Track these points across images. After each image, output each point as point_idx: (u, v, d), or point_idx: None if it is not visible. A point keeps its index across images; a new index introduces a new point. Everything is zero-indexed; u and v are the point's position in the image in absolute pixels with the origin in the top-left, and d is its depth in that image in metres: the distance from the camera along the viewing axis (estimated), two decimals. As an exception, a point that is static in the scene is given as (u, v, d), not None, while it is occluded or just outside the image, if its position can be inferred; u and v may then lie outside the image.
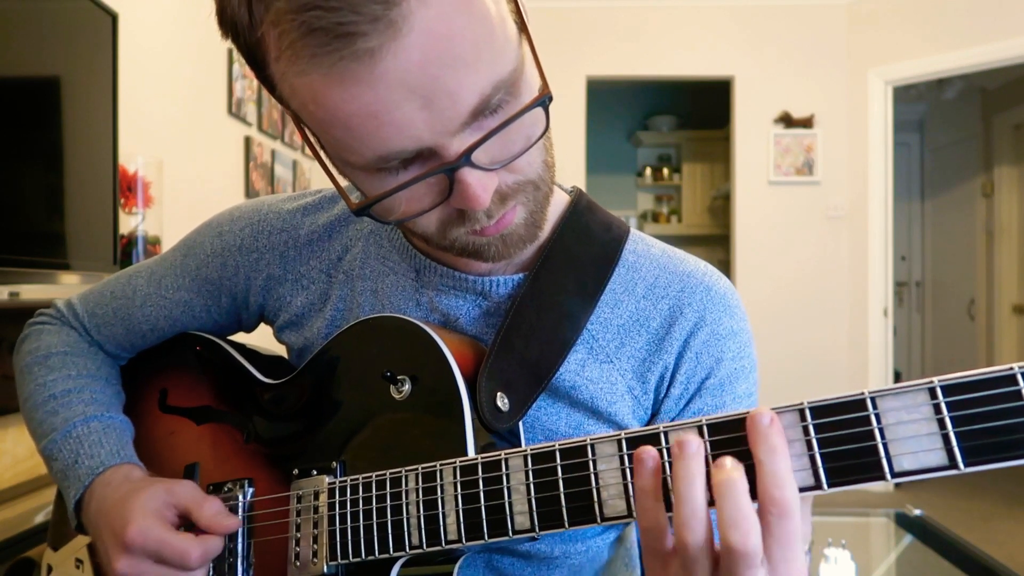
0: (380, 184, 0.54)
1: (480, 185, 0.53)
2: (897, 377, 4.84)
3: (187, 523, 0.69)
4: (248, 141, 2.99)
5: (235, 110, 2.87)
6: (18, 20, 1.40)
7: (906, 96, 5.43)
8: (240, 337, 0.86)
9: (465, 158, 0.51)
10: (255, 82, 3.03)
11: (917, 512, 2.11)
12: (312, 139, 0.57)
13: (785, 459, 0.45)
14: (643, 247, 0.74)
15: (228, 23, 0.51)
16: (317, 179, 3.87)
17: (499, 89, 0.51)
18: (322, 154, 0.58)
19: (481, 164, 0.52)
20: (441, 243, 0.61)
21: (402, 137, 0.50)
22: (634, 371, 0.69)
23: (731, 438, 0.48)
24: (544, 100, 0.53)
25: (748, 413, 0.46)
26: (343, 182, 0.60)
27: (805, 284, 4.47)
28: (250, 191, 3.01)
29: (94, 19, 1.65)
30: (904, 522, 2.15)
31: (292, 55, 0.47)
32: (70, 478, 0.74)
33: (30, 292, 1.54)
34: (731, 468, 0.45)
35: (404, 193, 0.53)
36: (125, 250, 1.87)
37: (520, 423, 0.65)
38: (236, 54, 2.83)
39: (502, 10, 0.52)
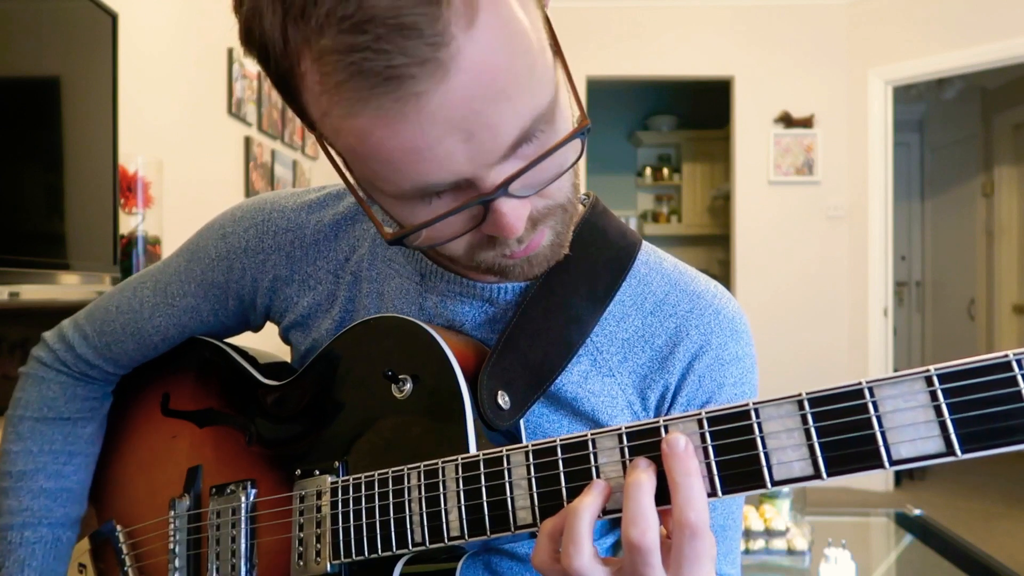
0: (411, 211, 0.54)
1: (515, 214, 0.53)
2: (897, 377, 4.82)
3: None
4: (248, 141, 2.99)
5: (235, 110, 2.87)
6: (18, 20, 1.40)
7: (906, 96, 5.43)
8: (244, 340, 0.86)
9: (503, 189, 0.51)
10: (255, 82, 3.04)
11: (917, 512, 2.11)
12: (340, 163, 0.56)
13: (699, 481, 0.48)
14: (655, 260, 0.73)
15: (256, 44, 0.49)
16: (317, 179, 3.88)
17: (539, 121, 0.51)
18: (350, 178, 0.57)
19: (516, 193, 0.52)
20: (468, 264, 0.60)
21: (442, 170, 0.49)
22: (634, 387, 0.69)
23: (730, 428, 0.48)
24: (584, 131, 0.53)
25: (667, 437, 0.49)
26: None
27: (805, 284, 4.47)
28: (250, 191, 3.02)
29: (94, 19, 1.65)
30: (904, 522, 2.15)
31: (337, 96, 0.46)
32: None
33: (30, 292, 1.54)
34: (641, 470, 0.49)
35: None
36: (125, 250, 1.87)
37: (522, 424, 0.65)
38: (237, 54, 2.84)
39: (542, 40, 0.51)
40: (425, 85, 0.45)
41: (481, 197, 0.51)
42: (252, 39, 0.49)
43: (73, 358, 0.83)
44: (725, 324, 0.70)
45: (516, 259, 0.59)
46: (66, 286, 1.65)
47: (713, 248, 6.19)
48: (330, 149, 0.55)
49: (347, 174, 0.57)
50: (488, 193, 0.51)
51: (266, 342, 0.88)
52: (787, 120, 4.44)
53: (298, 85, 0.49)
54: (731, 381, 0.69)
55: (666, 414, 0.69)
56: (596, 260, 0.69)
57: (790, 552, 1.86)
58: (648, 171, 6.43)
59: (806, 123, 4.43)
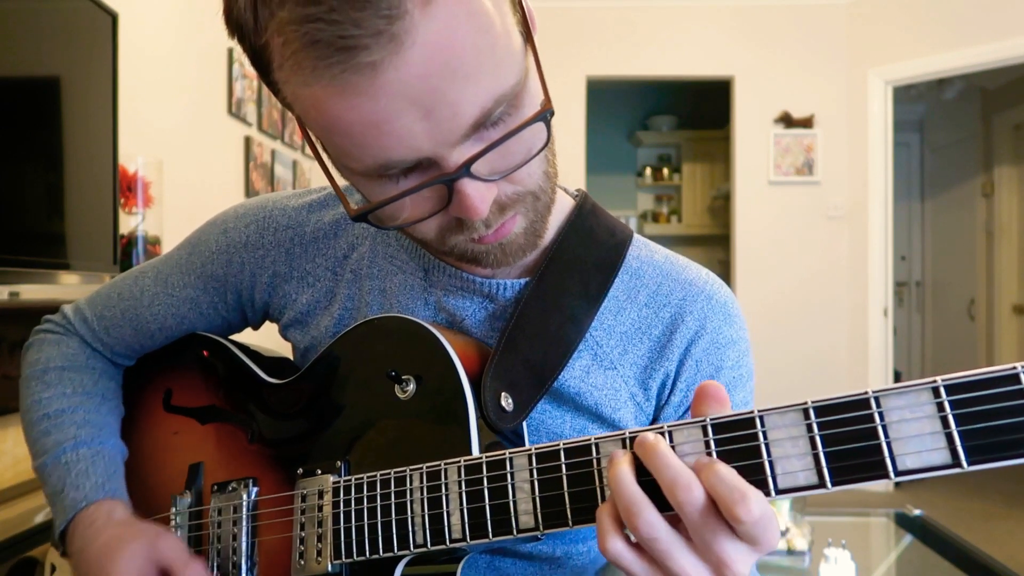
0: (380, 190, 0.55)
1: (479, 196, 0.53)
2: (897, 377, 4.83)
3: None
4: (248, 141, 2.99)
5: (235, 110, 2.87)
6: (18, 20, 1.40)
7: (906, 96, 5.43)
8: (246, 337, 0.86)
9: (464, 169, 0.51)
10: (255, 82, 3.03)
11: (917, 512, 2.11)
12: (315, 142, 0.57)
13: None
14: (646, 253, 0.74)
15: (234, 24, 0.51)
16: (317, 179, 3.87)
17: (500, 102, 0.51)
18: (324, 157, 0.58)
19: (480, 175, 0.52)
20: (440, 249, 0.61)
21: (402, 147, 0.50)
22: (636, 378, 0.70)
23: (735, 436, 0.48)
24: (545, 115, 0.53)
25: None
26: (341, 183, 0.61)
27: (805, 284, 4.47)
28: (250, 191, 3.01)
29: (94, 19, 1.64)
30: (904, 522, 2.14)
31: (295, 65, 0.48)
32: (56, 507, 0.75)
33: (30, 292, 1.54)
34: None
35: (404, 200, 0.54)
36: (125, 250, 1.87)
37: (524, 425, 0.65)
38: (237, 53, 2.83)
39: (507, 23, 0.52)
40: (378, 56, 0.46)
41: (444, 176, 0.52)
42: (231, 19, 0.51)
43: (84, 332, 0.84)
44: (718, 309, 0.71)
45: (487, 244, 0.59)
46: (66, 286, 1.65)
47: (713, 248, 6.18)
48: (308, 130, 0.57)
49: (322, 154, 0.58)
50: (450, 173, 0.51)
51: (267, 339, 0.88)
52: (787, 120, 4.44)
53: (268, 60, 0.51)
54: (729, 364, 0.70)
55: (667, 400, 0.70)
56: (586, 260, 0.70)
57: (790, 552, 1.85)
58: (648, 171, 6.43)
59: (806, 123, 4.42)
